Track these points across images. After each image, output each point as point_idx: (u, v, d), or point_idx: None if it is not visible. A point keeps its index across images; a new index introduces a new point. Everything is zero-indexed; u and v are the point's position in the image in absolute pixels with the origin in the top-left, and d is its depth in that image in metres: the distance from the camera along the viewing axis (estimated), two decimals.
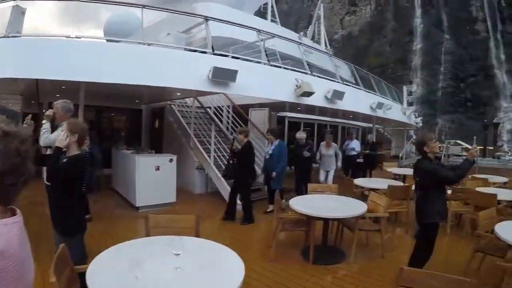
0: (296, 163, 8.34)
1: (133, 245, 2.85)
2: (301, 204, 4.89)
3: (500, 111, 59.04)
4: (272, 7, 18.79)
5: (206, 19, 7.58)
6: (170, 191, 7.59)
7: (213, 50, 7.33)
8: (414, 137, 26.97)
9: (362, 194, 7.23)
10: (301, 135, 8.40)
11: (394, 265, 4.75)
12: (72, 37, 6.16)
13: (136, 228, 6.26)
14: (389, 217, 5.53)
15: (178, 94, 9.21)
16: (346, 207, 4.98)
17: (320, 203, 5.14)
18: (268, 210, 7.33)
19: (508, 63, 61.89)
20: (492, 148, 24.53)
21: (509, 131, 56.16)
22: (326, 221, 5.00)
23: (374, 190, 6.45)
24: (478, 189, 6.76)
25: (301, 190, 7.79)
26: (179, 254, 2.42)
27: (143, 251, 2.69)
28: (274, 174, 7.19)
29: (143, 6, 6.86)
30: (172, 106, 10.90)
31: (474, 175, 9.01)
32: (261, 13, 20.31)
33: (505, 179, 9.40)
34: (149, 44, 6.71)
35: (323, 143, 9.27)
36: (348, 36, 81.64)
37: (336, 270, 4.64)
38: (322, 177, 9.14)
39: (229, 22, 8.23)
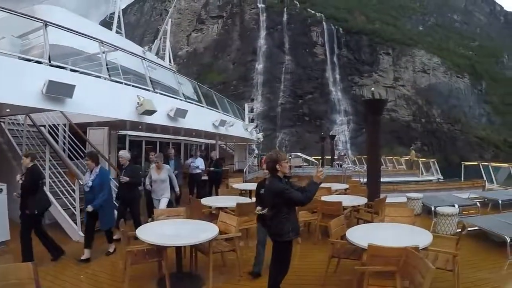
0: (118, 190, 7.30)
1: None
2: (149, 233, 4.87)
3: (335, 124, 69.24)
4: (118, 17, 18.50)
5: (46, 24, 6.82)
6: (2, 227, 6.81)
7: (49, 61, 6.70)
8: (256, 151, 29.53)
9: (210, 214, 7.50)
10: (123, 154, 7.28)
11: (253, 282, 5.14)
12: None
13: None
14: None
15: (8, 110, 8.14)
16: (198, 231, 5.07)
17: (169, 230, 5.15)
18: (110, 250, 6.49)
19: (343, 82, 74.64)
20: (330, 157, 27.72)
21: (343, 142, 66.31)
22: (178, 247, 4.96)
23: (222, 209, 6.88)
24: (323, 198, 7.51)
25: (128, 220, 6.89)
26: None
27: None
28: (89, 208, 6.02)
29: None
30: (1, 124, 9.55)
31: None
32: (107, 23, 19.68)
33: (345, 186, 10.79)
34: None
35: (153, 166, 8.03)
36: (193, 52, 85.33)
37: None
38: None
39: (70, 30, 7.67)
